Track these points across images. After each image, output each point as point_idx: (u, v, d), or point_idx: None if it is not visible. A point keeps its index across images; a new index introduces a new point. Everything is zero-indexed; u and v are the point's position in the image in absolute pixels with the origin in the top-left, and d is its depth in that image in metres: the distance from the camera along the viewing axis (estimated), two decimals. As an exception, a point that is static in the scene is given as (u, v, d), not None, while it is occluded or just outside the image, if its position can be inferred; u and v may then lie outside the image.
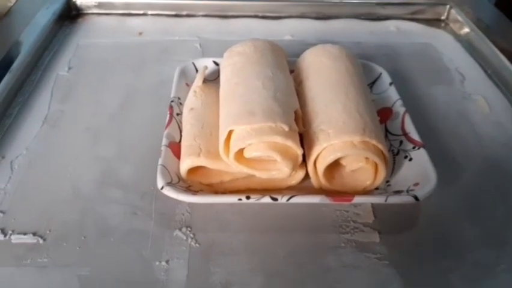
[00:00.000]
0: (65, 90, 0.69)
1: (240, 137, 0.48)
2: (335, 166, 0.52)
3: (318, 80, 0.58)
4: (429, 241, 0.49)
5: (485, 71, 0.77)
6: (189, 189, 0.50)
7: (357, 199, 0.48)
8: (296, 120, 0.52)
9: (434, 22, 0.92)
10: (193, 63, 0.67)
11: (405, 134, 0.57)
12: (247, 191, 0.50)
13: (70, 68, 0.74)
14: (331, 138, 0.49)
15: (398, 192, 0.50)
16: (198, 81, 0.61)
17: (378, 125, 0.53)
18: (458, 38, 0.86)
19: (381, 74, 0.67)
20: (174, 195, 0.47)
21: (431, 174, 0.50)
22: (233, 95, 0.53)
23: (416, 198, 0.48)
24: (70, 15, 0.90)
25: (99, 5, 0.91)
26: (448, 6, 0.92)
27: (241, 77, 0.55)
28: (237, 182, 0.53)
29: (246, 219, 0.51)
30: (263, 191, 0.50)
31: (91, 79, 0.72)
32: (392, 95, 0.63)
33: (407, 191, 0.50)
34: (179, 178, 0.51)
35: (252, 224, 0.50)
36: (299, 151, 0.48)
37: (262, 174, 0.50)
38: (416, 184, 0.50)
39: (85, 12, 0.91)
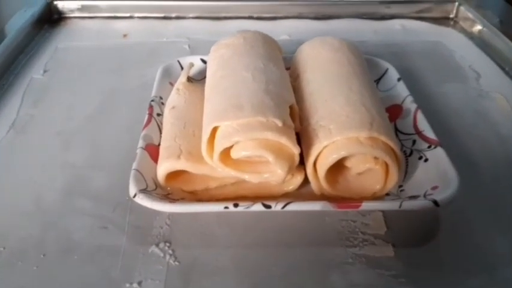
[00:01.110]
0: (38, 94, 0.63)
1: (226, 135, 0.41)
2: (338, 168, 0.44)
3: (317, 73, 0.51)
4: (452, 255, 0.41)
5: (502, 68, 0.70)
6: (168, 197, 0.43)
7: (366, 205, 0.40)
8: (292, 116, 0.44)
9: (442, 21, 0.86)
10: (179, 61, 0.61)
11: (419, 133, 0.50)
12: (237, 199, 0.42)
13: (45, 71, 0.68)
14: (333, 134, 0.42)
15: (413, 197, 0.43)
16: (181, 77, 0.54)
17: (387, 120, 0.46)
18: (470, 35, 0.80)
19: (387, 69, 0.60)
20: (148, 204, 0.40)
21: (451, 175, 0.43)
22: (218, 88, 0.46)
23: (435, 203, 0.40)
24: (52, 19, 0.83)
25: (83, 8, 0.85)
26: (456, 4, 0.86)
27: (227, 69, 0.48)
28: (225, 188, 0.45)
29: (236, 233, 0.43)
30: (255, 198, 0.43)
31: (68, 82, 0.65)
32: (401, 91, 0.56)
33: (424, 196, 0.42)
34: (157, 185, 0.44)
35: (243, 238, 0.43)
36: (295, 150, 0.41)
37: (252, 178, 0.42)
38: (435, 188, 0.43)
39: (68, 15, 0.85)
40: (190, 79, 0.58)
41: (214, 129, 0.42)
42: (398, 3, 0.86)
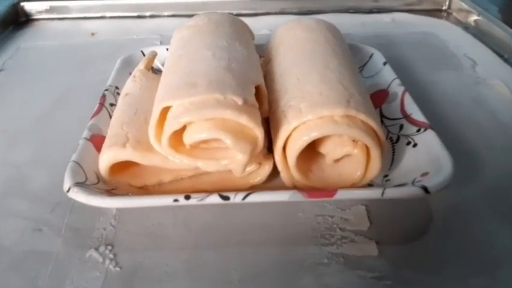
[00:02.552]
0: (-11, 92, 0.56)
1: (175, 115, 0.34)
2: (311, 156, 0.38)
3: (289, 54, 0.45)
4: (445, 253, 0.35)
5: (501, 56, 0.64)
6: (112, 192, 0.36)
7: (342, 194, 0.34)
8: (259, 99, 0.39)
9: (434, 13, 0.81)
10: (142, 52, 0.55)
11: (406, 116, 0.43)
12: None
13: (1, 70, 0.62)
14: (303, 114, 0.36)
15: (400, 186, 0.36)
16: (140, 65, 0.49)
17: (369, 100, 0.40)
18: (465, 25, 0.74)
19: (372, 54, 0.54)
20: (83, 199, 0.34)
21: (444, 159, 0.36)
22: (174, 68, 0.40)
23: (425, 190, 0.34)
24: (18, 21, 0.78)
25: (51, 10, 0.80)
26: (448, -6, 0.80)
27: (187, 48, 0.42)
28: (181, 183, 0.39)
29: (193, 233, 0.37)
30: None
31: (24, 81, 0.60)
32: (387, 75, 0.50)
33: (413, 183, 0.35)
34: (99, 178, 0.37)
35: (200, 239, 0.36)
36: (258, 131, 0.35)
37: (207, 166, 0.36)
38: (425, 174, 0.36)
39: (36, 17, 0.80)
40: (153, 70, 0.52)
41: (165, 111, 0.36)
42: (386, -5, 0.81)
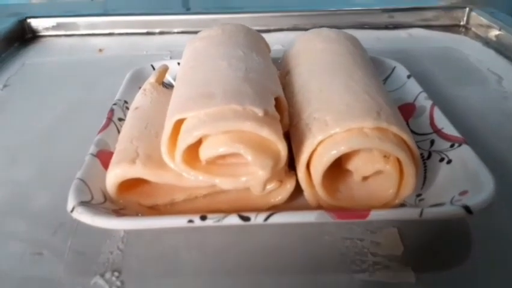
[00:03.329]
0: (-8, 108, 0.54)
1: (190, 128, 0.31)
2: (338, 173, 0.35)
3: (310, 65, 0.42)
4: (493, 280, 0.31)
5: (526, 70, 0.60)
6: (120, 212, 0.33)
7: (375, 214, 0.31)
8: (279, 111, 0.35)
9: (452, 28, 0.78)
10: (152, 66, 0.52)
11: (437, 131, 0.40)
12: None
13: (5, 86, 0.60)
14: (329, 126, 0.33)
15: (437, 205, 0.33)
16: (151, 78, 0.46)
17: (398, 112, 0.37)
18: (485, 41, 0.71)
19: (394, 67, 0.52)
20: (88, 219, 0.31)
21: (484, 176, 0.33)
22: (186, 79, 0.37)
23: (467, 209, 0.30)
24: (25, 38, 0.76)
25: (58, 26, 0.78)
26: (467, 9, 0.78)
27: (200, 59, 0.40)
28: (195, 202, 0.36)
29: (208, 258, 0.33)
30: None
31: (28, 96, 0.57)
32: (413, 88, 0.47)
33: (451, 203, 0.32)
34: (107, 197, 0.34)
35: (217, 264, 0.33)
36: (281, 145, 0.31)
37: (225, 183, 0.33)
38: (464, 193, 0.33)
39: (42, 34, 0.78)
40: (163, 85, 0.49)
41: (179, 125, 0.33)
42: (401, 11, 0.79)
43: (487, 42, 0.71)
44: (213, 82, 0.35)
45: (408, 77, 0.49)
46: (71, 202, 0.32)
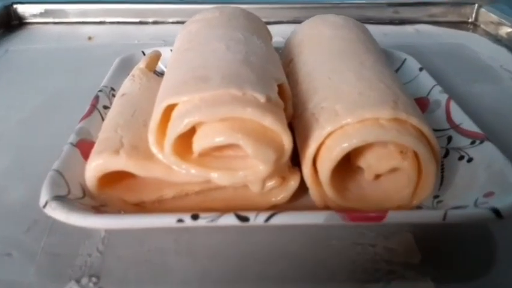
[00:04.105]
0: (-33, 96, 0.50)
1: (182, 114, 0.27)
2: (348, 170, 0.31)
3: (317, 52, 0.39)
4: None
5: (541, 67, 0.57)
6: (100, 209, 0.29)
7: (393, 216, 0.27)
8: (282, 99, 0.31)
9: (460, 25, 0.75)
10: (143, 52, 0.48)
11: (455, 127, 0.36)
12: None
13: (-16, 73, 0.55)
14: (340, 116, 0.29)
15: (459, 208, 0.29)
16: (140, 63, 0.42)
17: (414, 103, 0.33)
18: (495, 38, 0.68)
19: (405, 60, 0.48)
20: (62, 216, 0.26)
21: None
22: (179, 62, 0.33)
23: (497, 213, 0.26)
24: (10, 25, 0.72)
25: (46, 13, 0.74)
26: (475, 6, 0.74)
27: (195, 42, 0.36)
28: (187, 199, 0.32)
29: (199, 263, 0.29)
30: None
31: (10, 84, 0.53)
32: (425, 82, 0.44)
33: (475, 205, 0.28)
34: (86, 192, 0.30)
35: (209, 270, 0.29)
36: (286, 136, 0.28)
37: (222, 178, 0.29)
38: (489, 194, 0.29)
39: (29, 21, 0.74)
40: (155, 73, 0.45)
41: (169, 111, 0.29)
42: (407, 6, 0.75)
43: (497, 40, 0.67)
44: (210, 65, 0.31)
45: (421, 69, 0.45)
46: (44, 196, 0.28)
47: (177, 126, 0.27)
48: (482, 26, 0.73)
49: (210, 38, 0.35)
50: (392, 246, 0.30)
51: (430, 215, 0.27)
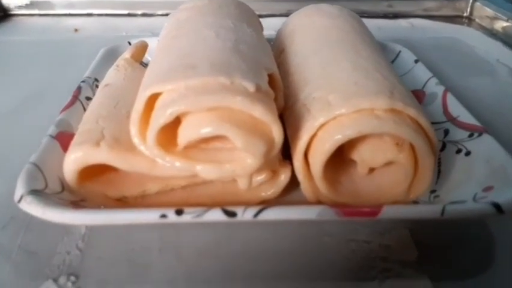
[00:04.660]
0: None
1: (167, 103, 0.26)
2: (341, 164, 0.30)
3: (310, 42, 0.37)
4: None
5: (538, 61, 0.56)
6: (80, 204, 0.27)
7: (389, 211, 0.25)
8: (273, 90, 0.30)
9: (454, 19, 0.74)
10: (129, 42, 0.47)
11: (452, 119, 0.35)
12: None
13: (-38, 65, 0.53)
14: (333, 106, 0.28)
15: (457, 203, 0.28)
16: (126, 53, 0.40)
17: (411, 93, 0.31)
18: (491, 32, 0.67)
19: (400, 52, 0.47)
20: (38, 211, 0.25)
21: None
22: (165, 49, 0.32)
23: (497, 208, 0.25)
24: (-5, 17, 0.70)
25: (32, 4, 0.72)
26: (470, 0, 0.73)
27: (183, 29, 0.34)
28: (171, 195, 0.30)
29: (184, 262, 0.28)
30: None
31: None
32: (421, 74, 0.42)
33: (475, 200, 0.27)
34: (64, 186, 0.28)
35: (195, 270, 0.27)
36: (276, 127, 0.26)
37: (208, 172, 0.27)
38: (489, 188, 0.28)
39: (14, 13, 0.72)
40: (142, 64, 0.44)
41: (153, 100, 0.27)
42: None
43: (493, 34, 0.66)
44: (197, 53, 0.29)
45: (416, 61, 0.44)
46: (19, 190, 0.26)
47: (160, 116, 0.25)
48: (477, 20, 0.72)
49: (199, 26, 0.34)
50: (388, 242, 0.29)
51: (428, 211, 0.26)
